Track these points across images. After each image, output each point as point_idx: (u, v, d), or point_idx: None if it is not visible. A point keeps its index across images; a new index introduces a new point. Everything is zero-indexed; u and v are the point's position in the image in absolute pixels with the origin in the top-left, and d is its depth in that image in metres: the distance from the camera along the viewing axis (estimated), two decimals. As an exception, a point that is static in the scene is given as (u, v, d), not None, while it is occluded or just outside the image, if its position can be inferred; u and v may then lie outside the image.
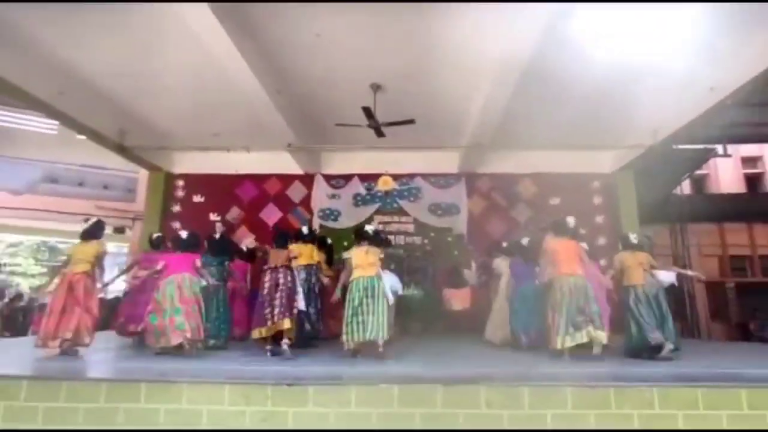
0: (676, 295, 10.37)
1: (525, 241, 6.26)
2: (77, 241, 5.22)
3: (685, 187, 11.46)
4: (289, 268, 5.13)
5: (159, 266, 5.07)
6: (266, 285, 5.00)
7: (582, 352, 4.70)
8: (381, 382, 3.17)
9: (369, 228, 5.34)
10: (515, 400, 3.06)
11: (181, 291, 4.83)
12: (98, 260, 5.07)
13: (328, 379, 3.46)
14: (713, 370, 4.18)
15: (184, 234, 5.29)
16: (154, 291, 4.92)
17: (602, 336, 4.69)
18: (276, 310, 4.82)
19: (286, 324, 4.79)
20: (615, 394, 3.06)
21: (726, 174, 12.93)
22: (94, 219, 5.34)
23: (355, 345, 4.74)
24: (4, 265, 16.04)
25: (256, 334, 4.91)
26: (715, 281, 11.29)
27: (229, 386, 3.13)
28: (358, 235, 5.24)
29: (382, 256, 5.09)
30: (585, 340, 4.67)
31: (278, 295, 4.92)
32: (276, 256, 5.14)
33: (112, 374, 4.05)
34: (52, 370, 3.91)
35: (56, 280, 5.01)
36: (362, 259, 4.97)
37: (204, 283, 5.17)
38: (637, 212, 8.97)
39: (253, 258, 6.63)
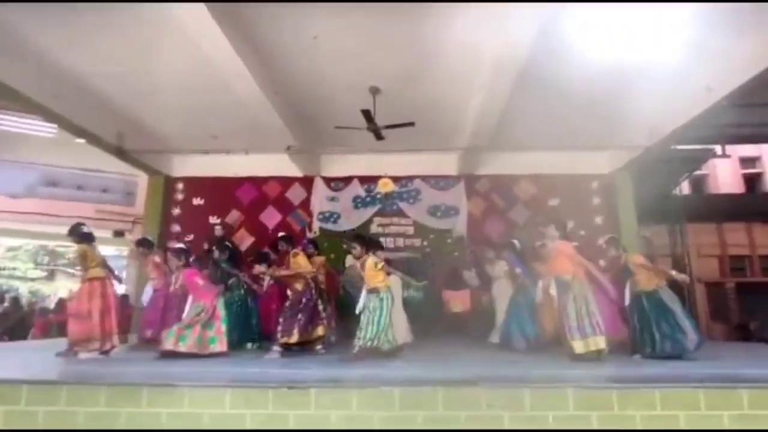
0: (676, 294, 10.39)
1: (518, 242, 6.30)
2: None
3: (684, 188, 11.48)
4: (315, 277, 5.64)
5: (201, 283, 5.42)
6: (300, 296, 5.37)
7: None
8: (382, 385, 3.17)
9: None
10: (516, 401, 3.06)
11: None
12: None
13: (329, 382, 3.46)
14: (714, 370, 4.17)
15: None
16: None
17: (601, 341, 4.72)
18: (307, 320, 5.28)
19: (320, 331, 5.43)
20: (617, 395, 3.06)
21: (725, 174, 12.96)
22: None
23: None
24: (3, 268, 16.01)
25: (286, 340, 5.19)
26: (714, 281, 11.30)
27: (230, 390, 3.13)
28: (371, 242, 5.37)
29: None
30: (598, 347, 4.70)
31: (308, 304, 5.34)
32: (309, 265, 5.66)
33: (112, 378, 4.04)
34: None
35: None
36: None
37: None
38: (636, 213, 9.00)
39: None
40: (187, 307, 5.31)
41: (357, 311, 5.09)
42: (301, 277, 5.42)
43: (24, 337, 8.90)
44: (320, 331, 5.42)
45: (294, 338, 5.14)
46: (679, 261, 10.83)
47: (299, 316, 5.24)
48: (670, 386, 3.21)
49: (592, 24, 5.20)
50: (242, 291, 6.27)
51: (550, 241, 5.21)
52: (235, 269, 6.34)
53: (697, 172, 11.67)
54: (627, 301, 5.32)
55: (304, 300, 5.34)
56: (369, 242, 5.39)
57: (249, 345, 5.99)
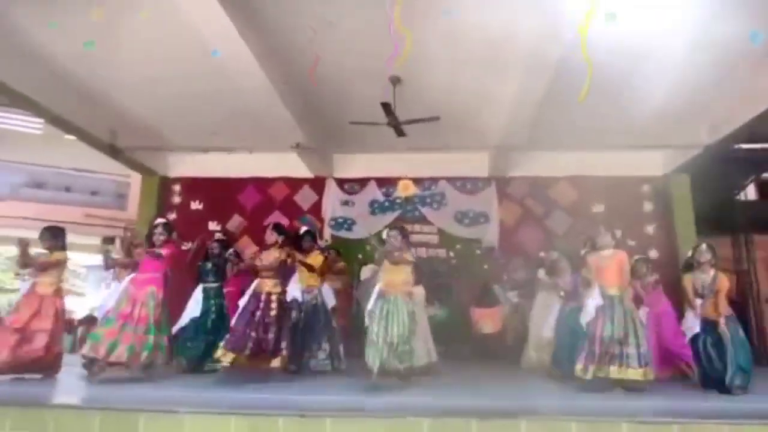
0: (739, 316, 10.13)
1: (555, 254, 6.28)
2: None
3: (750, 193, 11.23)
4: None
5: None
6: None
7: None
8: (408, 415, 3.14)
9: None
10: (562, 437, 3.00)
11: None
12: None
13: (348, 410, 3.44)
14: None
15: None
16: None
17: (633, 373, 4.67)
18: None
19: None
20: (680, 430, 2.98)
21: (797, 177, 12.64)
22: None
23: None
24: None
25: None
26: (786, 301, 10.99)
27: (234, 418, 3.13)
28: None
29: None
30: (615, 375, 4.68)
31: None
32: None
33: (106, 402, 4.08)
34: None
35: None
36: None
37: None
38: (695, 220, 8.83)
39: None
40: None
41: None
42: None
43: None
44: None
45: None
46: (744, 277, 10.58)
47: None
48: (741, 423, 3.13)
49: (643, 10, 5.13)
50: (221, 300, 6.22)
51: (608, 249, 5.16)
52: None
53: (765, 175, 11.42)
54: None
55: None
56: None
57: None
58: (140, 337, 4.83)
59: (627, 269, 5.08)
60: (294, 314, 5.63)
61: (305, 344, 5.73)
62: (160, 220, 5.45)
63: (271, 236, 5.51)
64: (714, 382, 4.86)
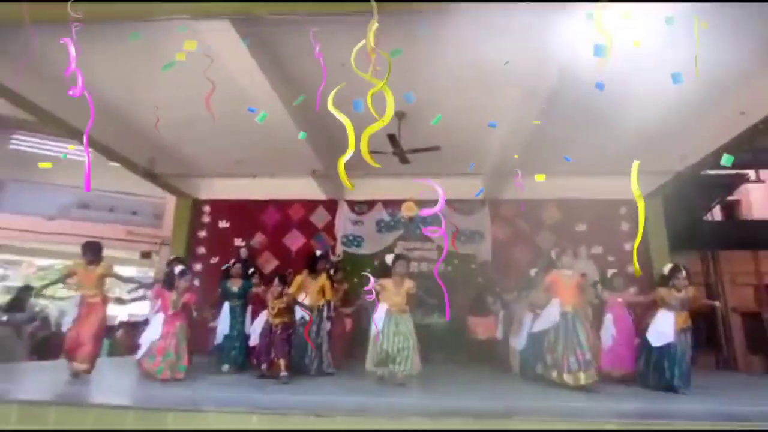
0: (710, 324, 9.96)
1: (533, 272, 6.20)
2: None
3: (716, 214, 11.13)
4: None
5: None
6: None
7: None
8: (412, 416, 3.06)
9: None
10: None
11: None
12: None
13: (357, 411, 3.36)
14: (762, 408, 3.93)
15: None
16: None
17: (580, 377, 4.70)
18: None
19: None
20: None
21: (758, 200, 12.53)
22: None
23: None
24: (33, 288, 16.35)
25: None
26: (751, 311, 10.80)
27: (256, 416, 3.07)
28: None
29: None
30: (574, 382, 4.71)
31: None
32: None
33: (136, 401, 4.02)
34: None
35: None
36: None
37: None
38: (667, 239, 8.73)
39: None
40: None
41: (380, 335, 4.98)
42: None
43: (56, 357, 8.97)
44: None
45: None
46: (713, 289, 10.43)
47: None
48: (717, 424, 3.02)
49: (624, 47, 5.13)
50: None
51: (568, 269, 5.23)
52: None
53: (729, 198, 11.34)
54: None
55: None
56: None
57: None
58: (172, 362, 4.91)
59: (584, 289, 5.22)
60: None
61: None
62: (179, 268, 5.35)
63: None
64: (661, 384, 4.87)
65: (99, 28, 4.90)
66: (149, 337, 5.02)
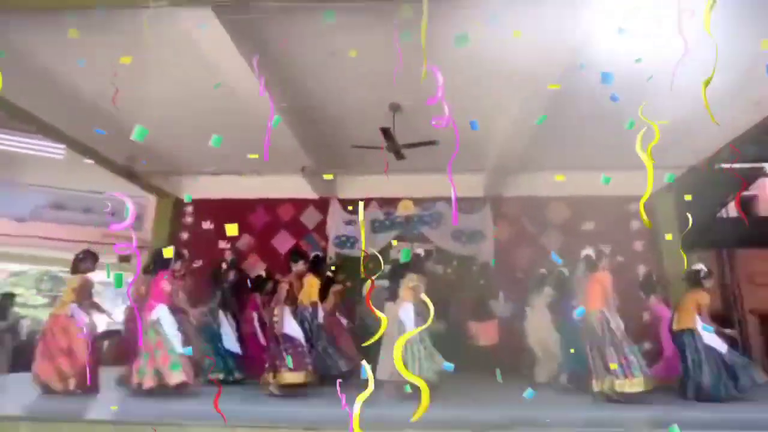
0: (725, 327, 9.97)
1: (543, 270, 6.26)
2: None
3: (731, 210, 11.15)
4: None
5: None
6: None
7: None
8: (406, 428, 3.07)
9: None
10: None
11: None
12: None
13: (345, 425, 3.36)
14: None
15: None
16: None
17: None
18: None
19: None
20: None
21: (776, 195, 12.58)
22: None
23: None
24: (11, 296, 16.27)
25: None
26: (769, 313, 10.85)
27: (241, 430, 3.07)
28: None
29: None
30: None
31: None
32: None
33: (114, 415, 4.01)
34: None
35: None
36: None
37: None
38: (680, 237, 8.76)
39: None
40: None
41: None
42: None
43: (27, 369, 8.91)
44: None
45: None
46: (728, 290, 10.46)
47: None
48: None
49: (633, 38, 5.15)
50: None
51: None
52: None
53: (745, 193, 11.37)
54: None
55: None
56: None
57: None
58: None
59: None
60: None
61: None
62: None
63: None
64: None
65: (69, 17, 4.85)
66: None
